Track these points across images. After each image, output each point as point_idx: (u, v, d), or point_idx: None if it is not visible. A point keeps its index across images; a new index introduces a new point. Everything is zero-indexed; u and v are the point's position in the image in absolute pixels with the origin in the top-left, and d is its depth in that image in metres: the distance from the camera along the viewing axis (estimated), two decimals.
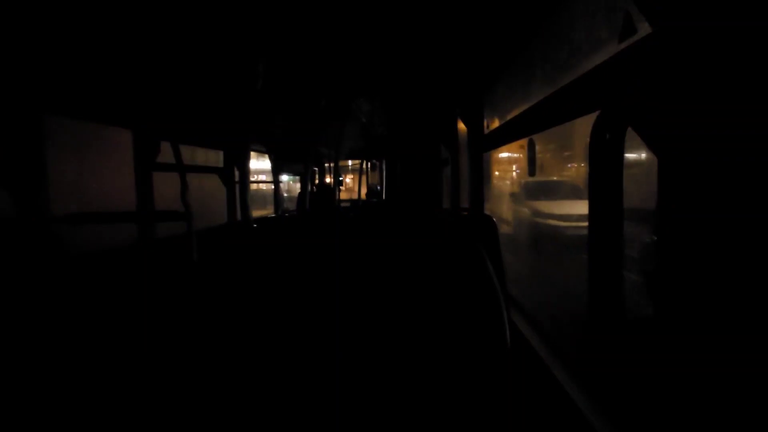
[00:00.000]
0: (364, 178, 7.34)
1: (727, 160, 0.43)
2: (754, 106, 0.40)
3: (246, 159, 3.42)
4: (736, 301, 0.43)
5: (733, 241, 0.43)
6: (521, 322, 1.44)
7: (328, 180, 5.52)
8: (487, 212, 2.20)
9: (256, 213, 3.70)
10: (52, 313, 0.91)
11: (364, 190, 7.61)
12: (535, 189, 7.82)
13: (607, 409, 0.83)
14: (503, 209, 8.76)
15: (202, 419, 1.10)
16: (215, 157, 3.79)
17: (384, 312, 1.10)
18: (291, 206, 6.37)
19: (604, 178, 0.56)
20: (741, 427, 0.43)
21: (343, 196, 8.47)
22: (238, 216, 3.01)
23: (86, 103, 1.72)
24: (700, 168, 0.47)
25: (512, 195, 8.63)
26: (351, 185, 12.91)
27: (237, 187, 3.00)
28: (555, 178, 9.54)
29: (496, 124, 1.98)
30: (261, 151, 4.30)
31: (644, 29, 0.61)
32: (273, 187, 4.47)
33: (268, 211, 4.83)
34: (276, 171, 4.46)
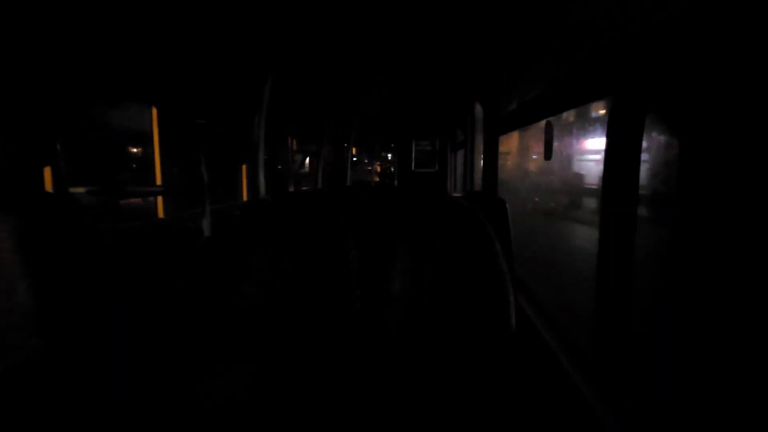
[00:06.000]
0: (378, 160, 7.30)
1: (758, 146, 0.42)
2: None
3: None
4: (762, 292, 0.41)
5: (760, 231, 0.41)
6: (528, 306, 1.45)
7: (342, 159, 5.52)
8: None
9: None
10: (76, 282, 0.96)
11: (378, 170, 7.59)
12: None
13: (613, 400, 0.83)
14: None
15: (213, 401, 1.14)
16: None
17: (390, 291, 1.11)
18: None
19: (621, 161, 0.55)
20: (750, 425, 0.43)
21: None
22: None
23: (115, 80, 1.74)
24: (726, 153, 0.45)
25: None
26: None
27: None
28: None
29: (513, 105, 1.94)
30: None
31: (670, 8, 0.59)
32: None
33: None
34: (292, 148, 4.47)
